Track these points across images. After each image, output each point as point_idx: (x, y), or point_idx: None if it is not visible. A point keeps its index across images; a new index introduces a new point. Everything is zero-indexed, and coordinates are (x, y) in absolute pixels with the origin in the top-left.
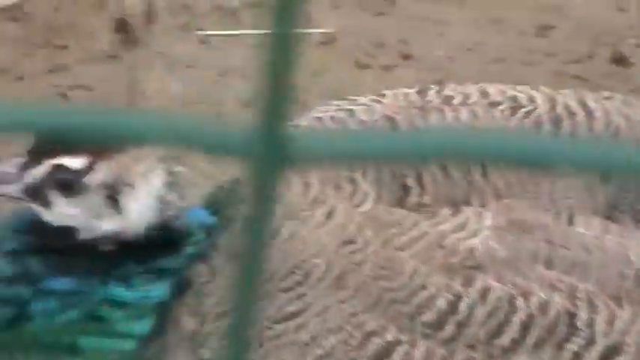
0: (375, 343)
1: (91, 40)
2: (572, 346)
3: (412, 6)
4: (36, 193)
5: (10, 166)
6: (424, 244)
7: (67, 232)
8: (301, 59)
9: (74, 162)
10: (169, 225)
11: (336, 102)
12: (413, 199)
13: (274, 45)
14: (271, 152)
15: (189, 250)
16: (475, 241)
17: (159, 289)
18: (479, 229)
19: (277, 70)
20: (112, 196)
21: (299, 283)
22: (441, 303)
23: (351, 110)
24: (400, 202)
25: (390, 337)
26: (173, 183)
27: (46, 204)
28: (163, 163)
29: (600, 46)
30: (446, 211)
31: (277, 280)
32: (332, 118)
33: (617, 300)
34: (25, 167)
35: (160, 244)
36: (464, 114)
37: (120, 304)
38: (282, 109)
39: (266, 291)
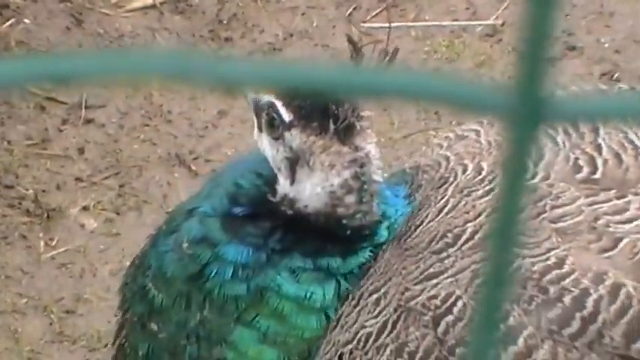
0: None
1: (256, 33)
2: None
3: None
4: (257, 111)
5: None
6: (575, 221)
7: (261, 194)
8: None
9: (284, 112)
10: (340, 226)
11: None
12: (582, 175)
13: (533, 11)
14: (529, 111)
15: (362, 257)
16: (626, 228)
17: (324, 290)
18: (636, 217)
19: (536, 33)
20: (293, 164)
21: (448, 245)
22: (567, 300)
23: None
24: (569, 178)
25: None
26: (358, 188)
27: (259, 127)
28: (355, 166)
29: None
30: (611, 193)
31: (430, 244)
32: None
33: None
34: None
35: (331, 241)
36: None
37: (287, 297)
38: (540, 70)
39: (520, 241)
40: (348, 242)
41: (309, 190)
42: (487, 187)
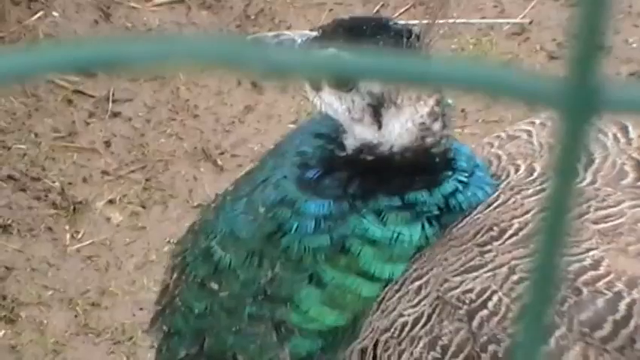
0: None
1: (284, 29)
2: None
3: None
4: None
5: (299, 37)
6: (616, 223)
7: (329, 152)
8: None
9: None
10: (429, 156)
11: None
12: (628, 180)
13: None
14: (582, 101)
15: (448, 187)
16: None
17: (411, 232)
18: None
19: (589, 23)
20: (377, 108)
21: (493, 239)
22: (600, 302)
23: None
24: (614, 184)
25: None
26: (441, 114)
27: (316, 87)
28: (436, 94)
29: None
30: None
31: (475, 236)
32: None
33: None
34: (313, 43)
35: (417, 175)
36: None
37: (371, 241)
38: (593, 60)
39: (569, 237)
40: (432, 174)
41: (399, 129)
42: (538, 188)
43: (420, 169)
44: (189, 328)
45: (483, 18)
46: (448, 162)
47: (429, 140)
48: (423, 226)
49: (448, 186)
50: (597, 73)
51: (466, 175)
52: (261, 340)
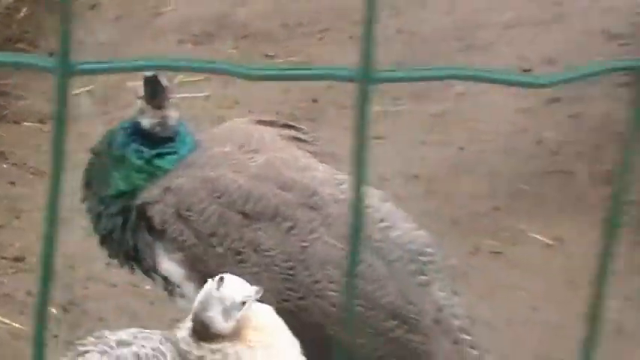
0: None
1: None
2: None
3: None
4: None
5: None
6: (260, 163)
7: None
8: None
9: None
10: (154, 134)
11: None
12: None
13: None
14: (361, 79)
15: (156, 150)
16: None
17: (136, 161)
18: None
19: (369, 30)
20: (139, 114)
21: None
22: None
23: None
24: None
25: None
26: (159, 124)
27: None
28: (158, 118)
29: None
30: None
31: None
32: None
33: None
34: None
35: (151, 141)
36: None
37: (129, 162)
38: (372, 53)
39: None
40: (158, 143)
41: (144, 122)
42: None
43: (154, 139)
44: (86, 179)
45: None
46: (168, 139)
47: (155, 130)
48: (145, 162)
49: (156, 150)
50: (375, 63)
51: (167, 150)
52: (103, 184)
